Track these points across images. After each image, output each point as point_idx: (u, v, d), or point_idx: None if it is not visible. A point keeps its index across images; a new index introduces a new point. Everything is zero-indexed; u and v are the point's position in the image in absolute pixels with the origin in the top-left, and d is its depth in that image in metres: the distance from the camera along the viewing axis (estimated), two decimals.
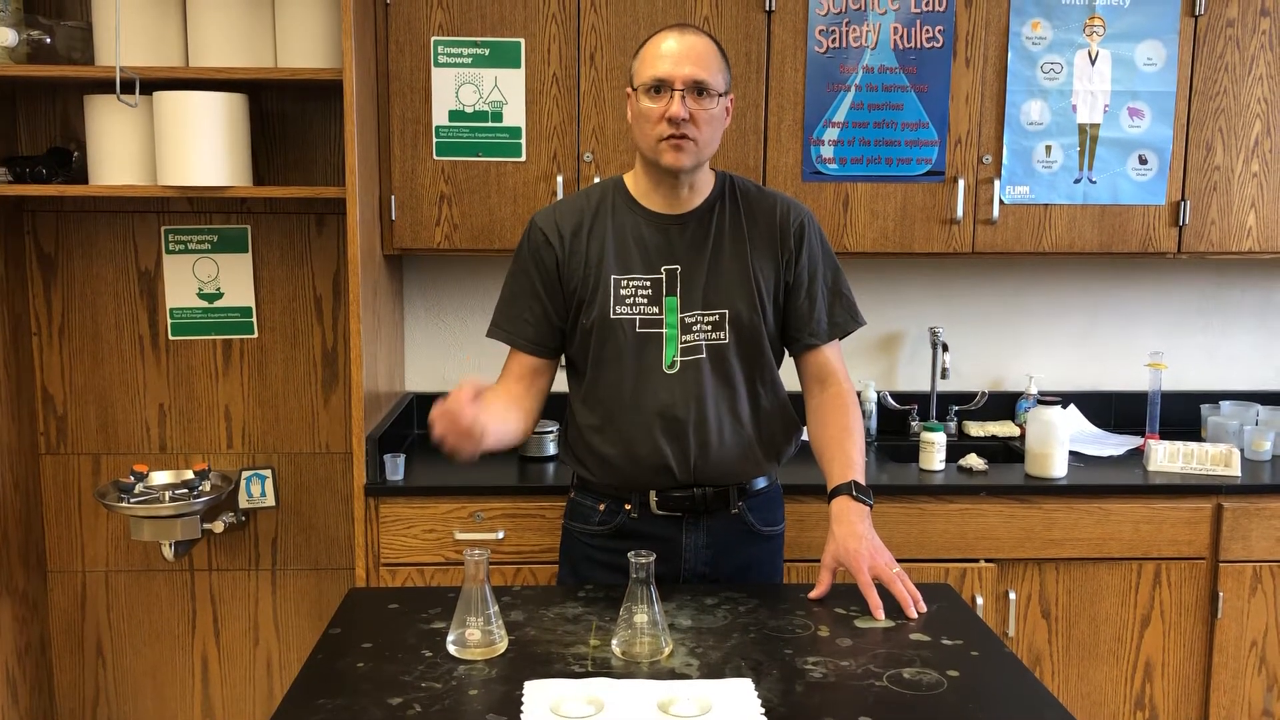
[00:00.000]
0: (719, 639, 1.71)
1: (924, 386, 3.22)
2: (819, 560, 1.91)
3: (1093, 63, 2.82)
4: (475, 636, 1.63)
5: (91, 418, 3.02)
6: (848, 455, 1.98)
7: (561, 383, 2.09)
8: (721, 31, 2.72)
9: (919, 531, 2.65)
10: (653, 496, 2.01)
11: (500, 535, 2.59)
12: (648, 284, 1.96)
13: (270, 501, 3.04)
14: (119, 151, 2.66)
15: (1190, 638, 2.75)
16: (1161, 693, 2.76)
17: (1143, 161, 2.86)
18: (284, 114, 2.94)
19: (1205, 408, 3.16)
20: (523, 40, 2.73)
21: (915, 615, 1.81)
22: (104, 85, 2.64)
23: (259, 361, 3.03)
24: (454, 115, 2.75)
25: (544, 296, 2.01)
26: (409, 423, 3.08)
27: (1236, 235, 2.89)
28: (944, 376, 3.14)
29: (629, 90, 1.96)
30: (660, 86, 1.87)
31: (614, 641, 1.65)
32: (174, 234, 2.97)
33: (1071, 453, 2.82)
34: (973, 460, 2.80)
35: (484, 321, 2.09)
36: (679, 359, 1.96)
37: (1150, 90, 2.83)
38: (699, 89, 1.87)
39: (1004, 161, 2.83)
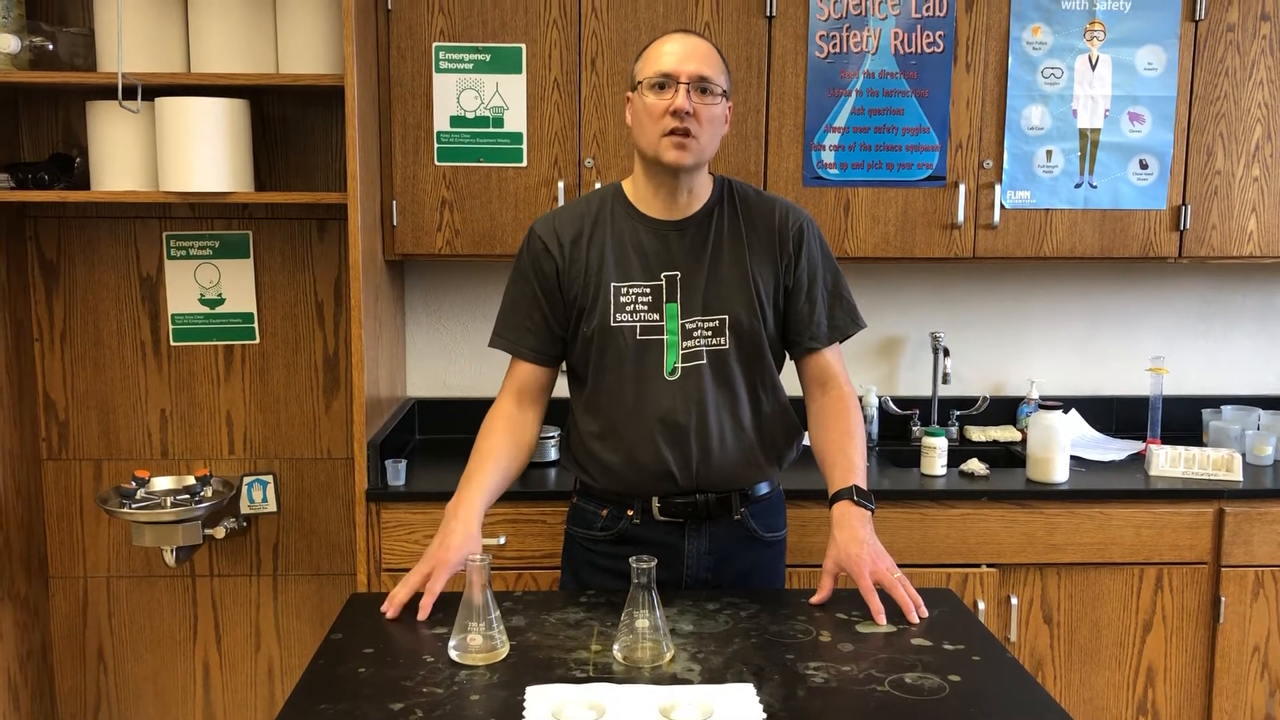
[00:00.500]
0: (720, 644, 1.71)
1: (925, 391, 3.22)
2: (820, 565, 1.91)
3: (1093, 67, 2.82)
4: (477, 642, 1.63)
5: (93, 423, 3.02)
6: (849, 460, 1.97)
7: (563, 388, 2.09)
8: (722, 37, 2.73)
9: (920, 536, 2.65)
10: (655, 502, 2.01)
11: (502, 540, 2.59)
12: (648, 291, 1.97)
13: (272, 507, 3.04)
14: (121, 157, 2.66)
15: (1192, 643, 2.74)
16: (1164, 698, 2.76)
17: (1143, 166, 2.86)
18: (285, 119, 2.94)
19: (1207, 412, 3.16)
20: (524, 46, 2.74)
21: (917, 620, 1.80)
22: (106, 91, 2.65)
23: (260, 367, 3.03)
24: (455, 121, 2.76)
25: (545, 305, 2.01)
26: (410, 428, 3.09)
27: (1237, 240, 2.89)
28: (945, 381, 3.14)
29: (629, 94, 1.96)
30: (665, 82, 1.88)
31: (615, 646, 1.65)
32: (176, 239, 2.97)
33: (1073, 457, 2.82)
34: (974, 465, 2.80)
35: (485, 326, 2.09)
36: (680, 365, 1.96)
37: (1151, 95, 2.83)
38: (703, 86, 1.88)
39: (1005, 166, 2.84)
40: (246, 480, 3.02)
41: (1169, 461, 2.80)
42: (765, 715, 1.47)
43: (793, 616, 1.82)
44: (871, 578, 1.84)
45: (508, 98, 2.75)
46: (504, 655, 1.65)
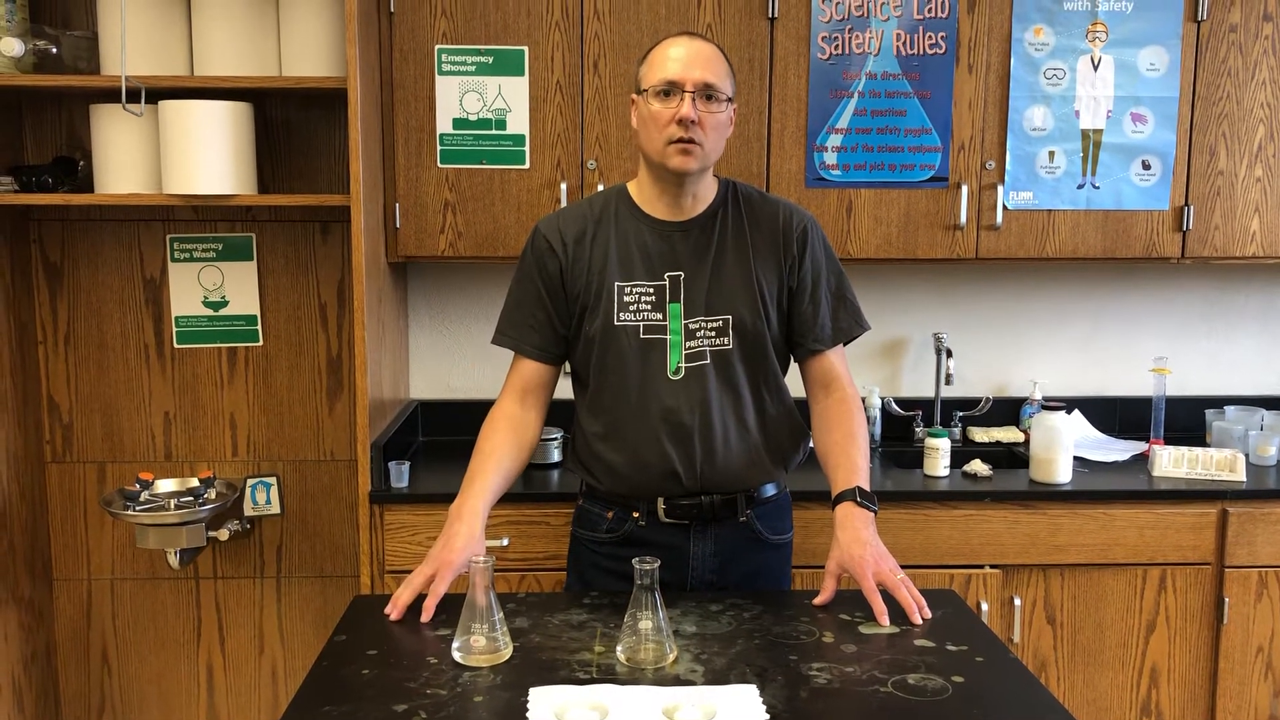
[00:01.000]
0: (723, 645, 1.71)
1: (928, 392, 3.22)
2: (824, 566, 1.91)
3: (1095, 68, 2.82)
4: (480, 643, 1.63)
5: (97, 426, 3.02)
6: (852, 461, 1.98)
7: (568, 392, 2.10)
8: (725, 39, 2.73)
9: (923, 537, 2.65)
10: (660, 504, 2.01)
11: (505, 542, 2.59)
12: (651, 291, 1.97)
13: (275, 509, 3.05)
14: (124, 160, 2.67)
15: (1196, 643, 2.74)
16: (1167, 698, 2.75)
17: (1146, 167, 2.86)
18: (288, 122, 2.95)
19: (1210, 413, 3.16)
20: (526, 48, 2.74)
21: (920, 621, 1.80)
22: (109, 94, 2.65)
23: (264, 369, 3.03)
24: (458, 123, 2.76)
25: (548, 303, 2.01)
26: (413, 430, 3.09)
27: (1240, 240, 2.89)
28: (948, 382, 3.14)
29: (634, 96, 1.96)
30: (670, 89, 1.88)
31: (619, 648, 1.65)
32: (179, 242, 2.98)
33: (1076, 458, 2.82)
34: (977, 466, 2.80)
35: (488, 328, 2.10)
36: (683, 365, 1.97)
37: (1153, 95, 2.83)
38: (708, 93, 1.89)
39: (1007, 167, 2.84)
40: (250, 482, 3.03)
41: (1172, 462, 2.80)
42: (768, 716, 1.47)
43: (796, 618, 1.82)
44: (874, 579, 1.84)
45: (510, 100, 2.76)
46: (507, 657, 1.65)
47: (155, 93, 2.62)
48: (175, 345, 3.01)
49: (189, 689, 3.11)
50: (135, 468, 3.01)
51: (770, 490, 2.08)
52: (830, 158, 2.81)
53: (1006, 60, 2.81)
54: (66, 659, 3.09)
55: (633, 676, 1.59)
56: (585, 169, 2.78)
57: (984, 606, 2.65)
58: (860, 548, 1.86)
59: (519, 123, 2.76)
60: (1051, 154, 2.84)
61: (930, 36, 2.78)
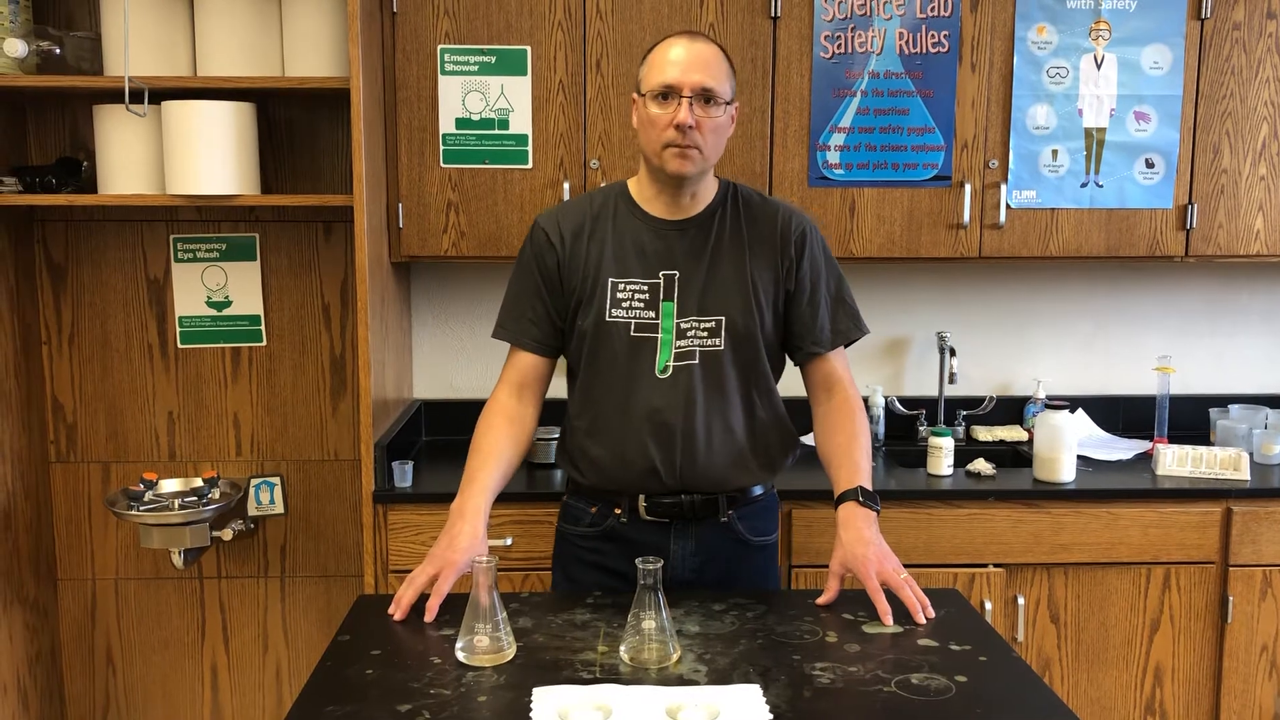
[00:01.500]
0: (727, 645, 1.71)
1: (931, 391, 3.21)
2: (827, 566, 1.91)
3: (1099, 67, 2.82)
4: (484, 643, 1.64)
5: (101, 426, 3.03)
6: (854, 462, 1.98)
7: (562, 390, 2.10)
8: (727, 38, 2.73)
9: (927, 537, 2.65)
10: (641, 501, 2.02)
11: (508, 542, 2.59)
12: (645, 288, 1.97)
13: (279, 509, 3.05)
14: (128, 161, 2.67)
15: (1200, 642, 2.74)
16: (1172, 697, 2.75)
17: (1149, 165, 2.85)
18: (291, 122, 2.95)
19: (1214, 411, 3.15)
20: (529, 48, 2.74)
21: (923, 621, 1.80)
22: (113, 95, 2.65)
23: (267, 369, 3.04)
24: (461, 123, 2.76)
25: (546, 296, 2.02)
26: (417, 430, 3.09)
27: (1244, 238, 2.89)
28: (951, 381, 3.13)
29: (635, 95, 1.96)
30: (668, 93, 1.88)
31: (622, 648, 1.65)
32: (182, 243, 2.98)
33: (1080, 457, 2.81)
34: (980, 465, 2.80)
35: (491, 328, 2.10)
36: (672, 364, 1.97)
37: (1156, 94, 2.83)
38: (706, 97, 1.88)
39: (1010, 166, 2.83)
40: (254, 482, 3.03)
41: (1176, 461, 2.80)
42: (772, 716, 1.47)
43: (799, 617, 1.82)
44: (878, 578, 1.84)
45: (513, 100, 2.76)
46: (511, 656, 1.65)
47: (158, 93, 2.62)
48: (179, 345, 3.01)
49: (193, 689, 3.12)
50: (139, 468, 3.01)
51: (756, 491, 2.08)
52: (833, 157, 2.81)
53: (1009, 59, 2.80)
54: (71, 659, 3.09)
55: (636, 676, 1.60)
56: (588, 168, 2.78)
57: (988, 606, 2.65)
58: (864, 547, 1.86)
59: (522, 122, 2.77)
60: (1055, 153, 2.84)
61: (933, 35, 2.78)
